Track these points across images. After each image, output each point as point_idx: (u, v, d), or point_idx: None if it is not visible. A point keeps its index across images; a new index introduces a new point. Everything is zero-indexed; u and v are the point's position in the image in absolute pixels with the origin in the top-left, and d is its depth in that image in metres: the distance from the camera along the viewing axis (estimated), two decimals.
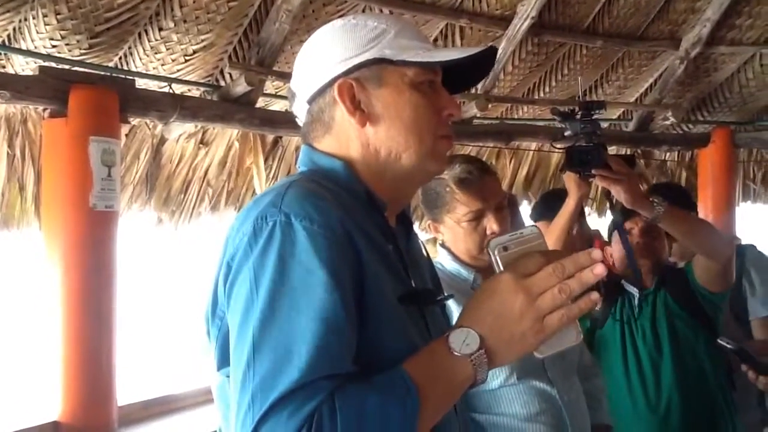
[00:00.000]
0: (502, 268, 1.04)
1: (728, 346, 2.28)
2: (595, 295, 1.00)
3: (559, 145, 2.47)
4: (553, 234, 2.53)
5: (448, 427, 1.14)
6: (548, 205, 3.68)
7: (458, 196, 1.96)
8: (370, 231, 1.10)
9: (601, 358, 2.67)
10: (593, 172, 2.25)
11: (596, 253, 1.00)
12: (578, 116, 2.33)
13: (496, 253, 1.05)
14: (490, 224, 1.97)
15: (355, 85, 1.17)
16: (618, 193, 2.25)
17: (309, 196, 1.04)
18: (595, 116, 2.32)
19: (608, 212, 4.23)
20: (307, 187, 1.07)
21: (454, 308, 1.78)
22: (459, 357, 0.99)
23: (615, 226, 2.69)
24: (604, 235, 3.71)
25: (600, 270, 0.99)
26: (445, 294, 1.29)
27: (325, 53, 1.20)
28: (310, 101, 1.22)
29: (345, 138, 1.19)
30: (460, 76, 1.25)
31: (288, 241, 0.99)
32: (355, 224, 1.06)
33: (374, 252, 1.08)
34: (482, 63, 1.24)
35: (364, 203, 1.15)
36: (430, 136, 1.18)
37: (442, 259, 2.05)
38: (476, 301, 1.04)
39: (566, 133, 2.38)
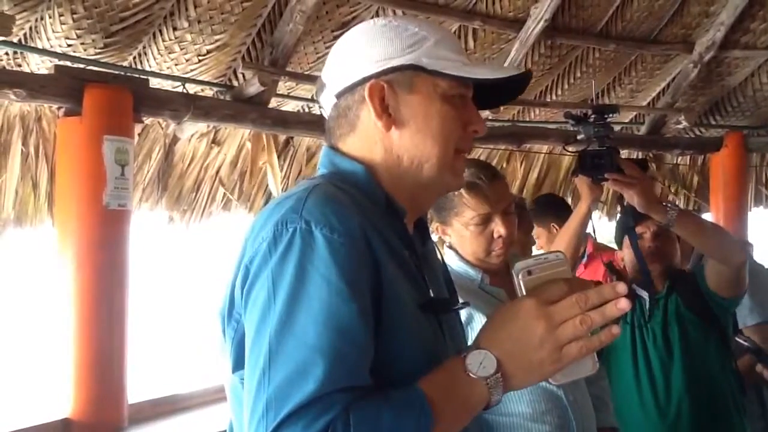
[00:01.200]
0: (524, 292, 1.04)
1: (745, 343, 2.26)
2: (616, 329, 1.00)
3: (571, 149, 2.47)
4: (564, 237, 2.52)
5: None
6: (541, 209, 3.69)
7: (466, 200, 1.97)
8: (388, 237, 1.09)
9: (611, 363, 2.66)
10: (606, 176, 2.25)
11: (621, 286, 0.99)
12: (591, 120, 2.32)
13: (520, 276, 1.04)
14: (498, 228, 1.98)
15: (387, 88, 1.15)
16: (631, 198, 2.24)
17: (330, 203, 1.03)
18: (608, 120, 2.32)
19: (618, 216, 4.23)
20: (328, 193, 1.06)
21: (463, 311, 1.78)
22: (474, 379, 0.99)
23: (625, 231, 2.67)
24: (603, 238, 3.72)
25: (624, 305, 0.98)
26: (461, 301, 1.29)
27: (361, 51, 1.19)
28: (339, 96, 1.20)
29: (369, 140, 1.18)
30: (489, 93, 1.24)
31: (308, 250, 0.99)
32: (374, 230, 1.06)
33: (392, 258, 1.08)
34: (513, 83, 1.23)
35: (383, 209, 1.14)
36: (452, 149, 1.18)
37: (449, 260, 2.06)
38: (496, 323, 1.03)
39: (579, 137, 2.38)
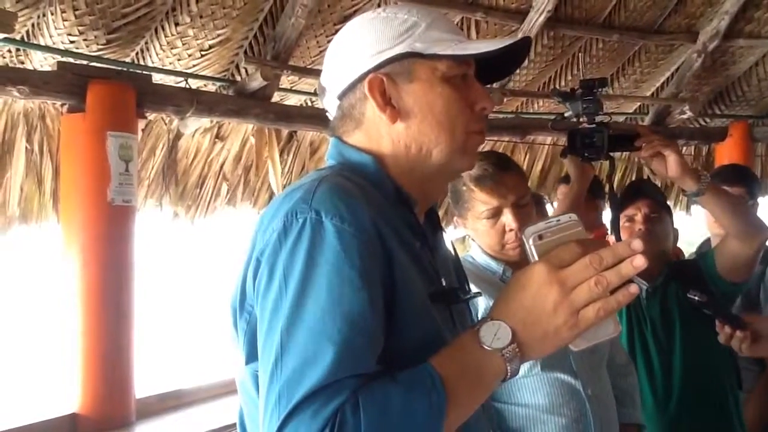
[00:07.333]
0: (536, 258, 0.99)
1: (696, 299, 2.07)
2: (634, 288, 0.95)
3: (559, 128, 2.34)
4: None
5: (476, 426, 1.12)
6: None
7: (475, 194, 1.94)
8: (398, 228, 1.08)
9: None
10: (639, 132, 2.08)
11: (636, 243, 0.95)
12: (579, 95, 2.18)
13: (530, 242, 1.00)
14: (508, 221, 1.94)
15: (386, 81, 1.14)
16: (661, 164, 2.06)
17: (340, 193, 1.02)
18: (597, 95, 2.17)
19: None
20: (338, 183, 1.05)
21: (481, 302, 1.77)
22: (489, 351, 0.96)
23: (613, 217, 2.56)
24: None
25: (640, 262, 0.94)
26: (473, 290, 1.27)
27: (355, 48, 1.18)
28: (341, 97, 1.20)
29: (375, 134, 1.17)
30: (493, 66, 1.21)
31: (318, 239, 0.98)
32: (384, 221, 1.04)
33: (403, 249, 1.06)
34: (515, 53, 1.20)
35: (393, 199, 1.13)
36: (461, 131, 1.16)
37: (473, 252, 2.04)
38: (508, 293, 1.00)
39: (566, 114, 2.26)
